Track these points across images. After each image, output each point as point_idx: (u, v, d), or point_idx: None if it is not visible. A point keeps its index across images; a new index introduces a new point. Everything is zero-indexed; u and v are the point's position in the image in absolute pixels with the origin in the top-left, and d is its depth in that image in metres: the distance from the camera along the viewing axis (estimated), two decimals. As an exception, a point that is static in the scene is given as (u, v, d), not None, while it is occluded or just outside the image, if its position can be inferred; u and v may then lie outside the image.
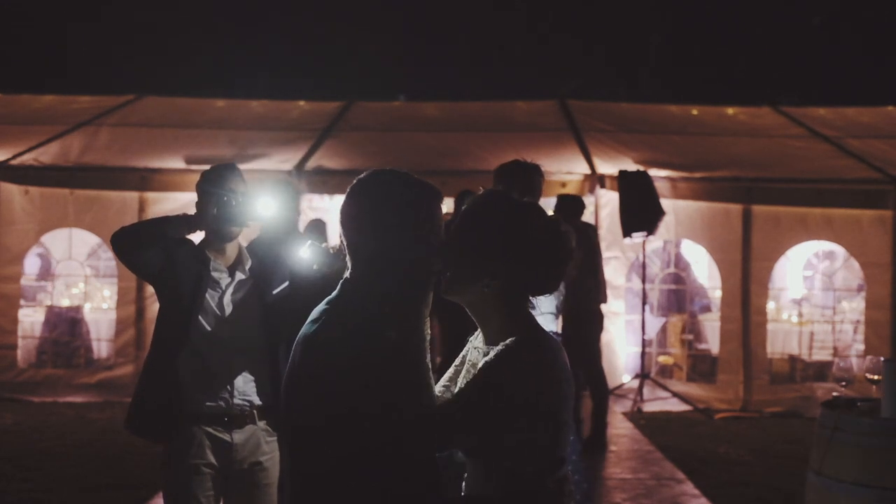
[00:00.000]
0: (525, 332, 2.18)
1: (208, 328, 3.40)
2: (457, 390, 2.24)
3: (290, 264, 3.43)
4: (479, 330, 2.32)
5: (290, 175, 9.01)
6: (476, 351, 2.30)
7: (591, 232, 7.52)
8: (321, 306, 2.25)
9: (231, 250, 3.53)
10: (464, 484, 2.27)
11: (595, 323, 7.45)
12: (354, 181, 2.25)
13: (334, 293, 2.26)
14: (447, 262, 2.20)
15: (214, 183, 3.46)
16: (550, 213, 8.06)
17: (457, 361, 2.38)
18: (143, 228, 3.46)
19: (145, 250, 3.40)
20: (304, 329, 2.23)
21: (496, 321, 2.22)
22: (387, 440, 2.09)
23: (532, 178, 4.49)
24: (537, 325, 2.25)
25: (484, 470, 2.18)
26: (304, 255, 3.18)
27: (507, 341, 2.15)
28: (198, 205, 3.54)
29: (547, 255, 2.21)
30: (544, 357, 2.16)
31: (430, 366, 2.17)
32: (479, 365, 2.16)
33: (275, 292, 3.52)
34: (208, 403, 3.39)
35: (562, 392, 2.17)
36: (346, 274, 2.28)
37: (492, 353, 2.14)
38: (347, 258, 2.27)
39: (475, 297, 2.22)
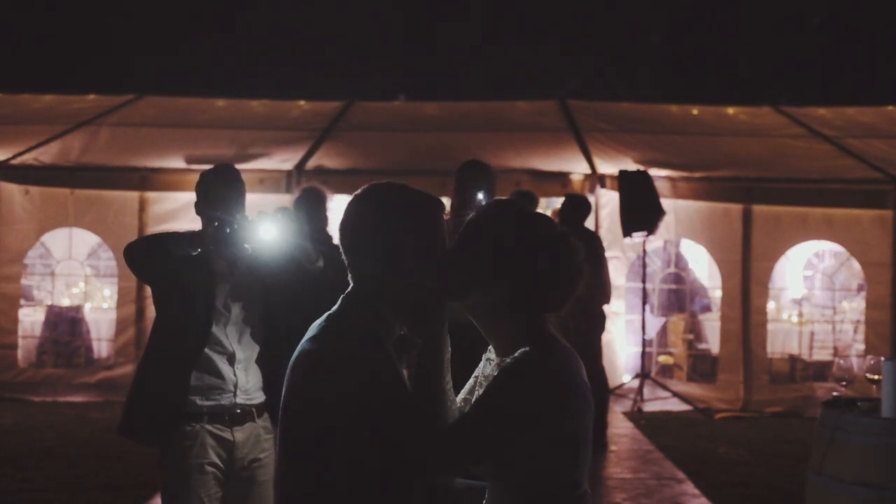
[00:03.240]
0: (537, 343, 2.08)
1: (213, 326, 3.41)
2: (467, 407, 2.15)
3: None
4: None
5: (292, 175, 9.02)
6: (489, 363, 2.22)
7: (596, 241, 7.51)
8: (321, 322, 2.16)
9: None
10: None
11: (596, 323, 7.45)
12: (353, 196, 2.19)
13: (335, 308, 2.18)
14: (452, 267, 2.13)
15: (210, 188, 3.47)
16: (552, 212, 7.99)
17: (476, 372, 2.29)
18: (151, 246, 3.42)
19: (155, 265, 3.41)
20: (303, 346, 2.13)
21: (505, 331, 2.14)
22: (399, 464, 2.03)
23: (494, 178, 4.71)
24: (551, 334, 2.14)
25: (498, 489, 2.11)
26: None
27: (517, 353, 2.05)
28: (196, 205, 3.53)
29: (554, 269, 2.12)
30: (557, 370, 2.05)
31: (446, 385, 2.08)
32: (490, 380, 2.09)
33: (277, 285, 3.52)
34: (210, 402, 3.39)
35: (577, 407, 2.05)
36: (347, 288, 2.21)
37: (500, 368, 2.07)
38: (348, 274, 2.21)
39: (479, 307, 2.14)
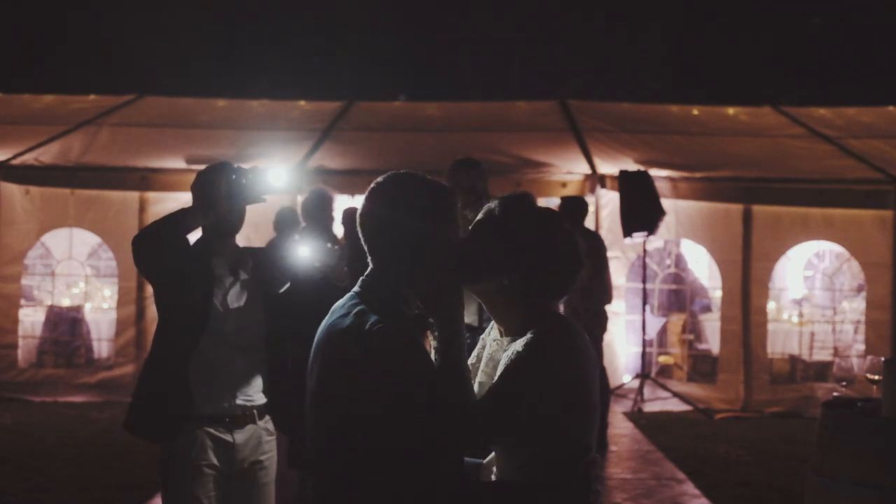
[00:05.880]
0: (549, 322, 2.27)
1: (212, 327, 3.39)
2: (489, 385, 2.30)
3: (291, 262, 3.44)
4: (491, 324, 2.43)
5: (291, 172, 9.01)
6: (495, 343, 2.39)
7: (597, 240, 7.52)
8: (347, 303, 2.28)
9: (232, 248, 3.52)
10: (494, 469, 2.35)
11: (598, 323, 7.46)
12: (373, 184, 2.32)
13: (357, 289, 2.30)
14: (469, 254, 2.28)
15: (211, 178, 3.40)
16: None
17: (472, 359, 2.44)
18: (165, 228, 3.26)
19: (167, 250, 3.27)
20: (333, 325, 2.26)
21: (517, 314, 2.31)
22: (431, 437, 2.14)
23: (485, 175, 4.93)
24: (559, 314, 2.35)
25: (513, 457, 2.26)
26: (305, 254, 3.19)
27: (534, 331, 2.23)
28: (196, 200, 3.46)
29: (565, 260, 2.32)
30: (571, 344, 2.25)
31: (468, 365, 2.24)
32: (510, 357, 2.23)
33: (280, 292, 3.51)
34: (210, 404, 3.38)
35: (589, 377, 2.27)
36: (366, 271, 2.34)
37: (520, 345, 2.22)
38: (368, 258, 2.33)
39: (494, 291, 2.31)
